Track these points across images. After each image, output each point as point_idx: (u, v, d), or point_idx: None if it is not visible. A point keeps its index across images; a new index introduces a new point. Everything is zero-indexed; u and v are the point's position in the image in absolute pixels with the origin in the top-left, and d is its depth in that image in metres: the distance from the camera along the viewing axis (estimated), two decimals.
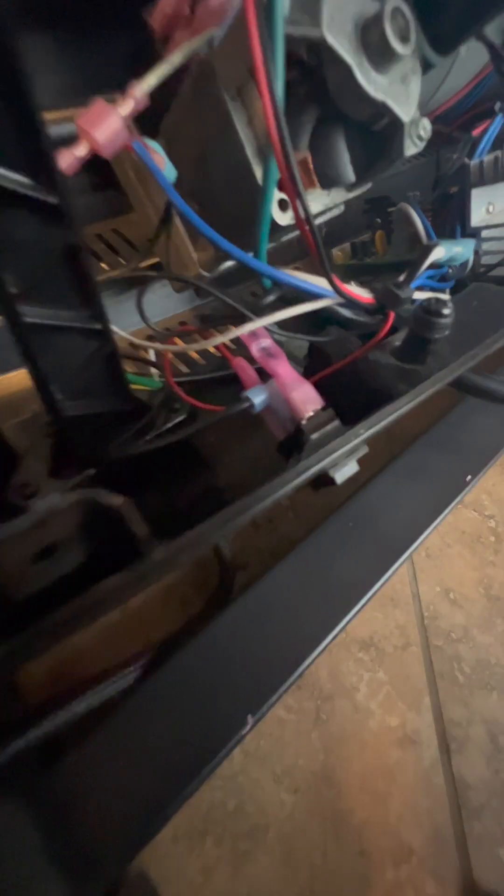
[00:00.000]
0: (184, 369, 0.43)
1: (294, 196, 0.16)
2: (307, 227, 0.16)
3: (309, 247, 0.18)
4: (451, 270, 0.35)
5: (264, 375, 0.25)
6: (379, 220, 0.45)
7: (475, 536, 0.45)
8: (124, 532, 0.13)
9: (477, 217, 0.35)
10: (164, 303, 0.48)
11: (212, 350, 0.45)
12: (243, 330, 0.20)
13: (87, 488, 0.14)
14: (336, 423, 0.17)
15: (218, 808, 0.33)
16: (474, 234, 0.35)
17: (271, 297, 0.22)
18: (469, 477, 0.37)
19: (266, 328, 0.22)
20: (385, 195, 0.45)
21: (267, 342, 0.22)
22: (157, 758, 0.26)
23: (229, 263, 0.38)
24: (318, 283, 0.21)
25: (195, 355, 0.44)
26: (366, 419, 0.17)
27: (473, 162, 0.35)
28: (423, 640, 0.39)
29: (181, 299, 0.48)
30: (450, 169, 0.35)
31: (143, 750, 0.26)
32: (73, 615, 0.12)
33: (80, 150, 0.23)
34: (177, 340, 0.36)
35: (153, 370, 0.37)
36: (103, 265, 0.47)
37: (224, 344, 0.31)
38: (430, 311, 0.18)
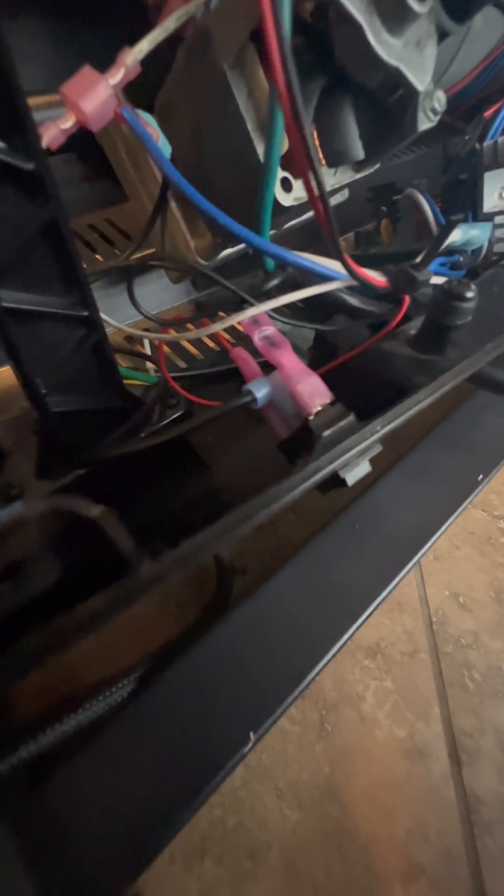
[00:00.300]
0: (181, 365, 0.41)
1: (306, 165, 0.14)
2: (320, 203, 0.15)
3: (320, 222, 0.16)
4: (462, 258, 0.33)
5: (267, 369, 0.23)
6: (384, 209, 0.43)
7: (484, 538, 0.43)
8: (106, 546, 0.11)
9: (490, 202, 0.33)
10: (159, 295, 0.46)
11: (210, 344, 0.43)
12: (244, 316, 0.19)
13: (60, 495, 0.12)
14: (351, 418, 0.15)
15: (217, 826, 0.31)
16: (487, 220, 0.33)
17: (274, 282, 0.21)
18: (481, 476, 0.35)
19: (269, 314, 0.20)
20: (390, 182, 0.43)
21: (270, 330, 0.20)
22: (153, 778, 0.24)
23: (227, 252, 0.36)
24: (328, 264, 0.19)
25: (192, 348, 0.42)
26: (382, 414, 0.15)
27: (486, 143, 0.33)
28: (432, 647, 0.38)
29: (178, 291, 0.46)
30: (462, 150, 0.34)
31: (138, 770, 0.24)
32: (43, 644, 0.10)
33: (66, 123, 0.21)
34: (172, 332, 0.34)
35: (148, 364, 0.35)
36: (97, 256, 0.45)
37: (224, 336, 0.29)
38: (451, 294, 0.17)
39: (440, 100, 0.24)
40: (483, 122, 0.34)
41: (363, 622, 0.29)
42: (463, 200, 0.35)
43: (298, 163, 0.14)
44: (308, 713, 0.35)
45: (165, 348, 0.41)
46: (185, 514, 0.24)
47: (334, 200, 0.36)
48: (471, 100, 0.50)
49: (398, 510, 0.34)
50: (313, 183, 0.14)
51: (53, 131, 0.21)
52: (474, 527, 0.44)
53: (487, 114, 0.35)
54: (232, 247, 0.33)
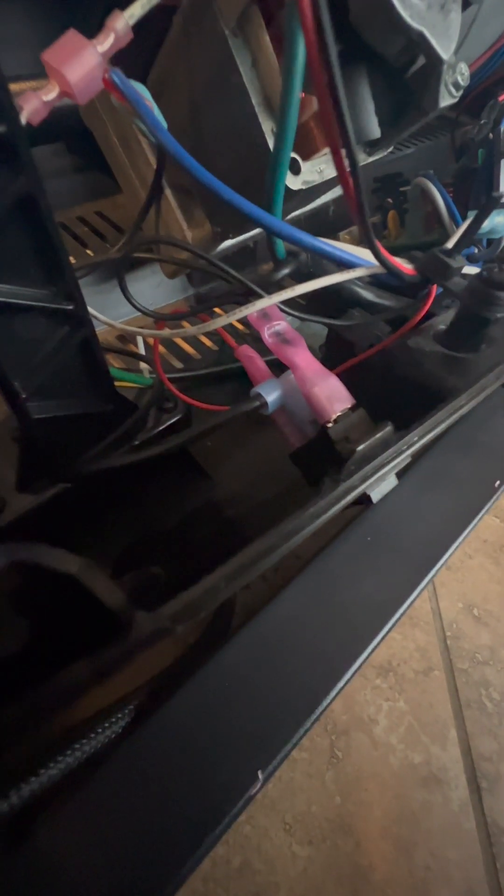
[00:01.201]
0: (177, 365, 0.39)
1: (335, 127, 0.11)
2: (350, 177, 0.12)
3: (349, 199, 0.13)
4: (478, 250, 0.31)
5: (275, 368, 0.21)
6: (390, 200, 0.41)
7: (498, 546, 0.41)
8: (89, 601, 0.09)
9: None
10: (153, 292, 0.43)
11: (207, 343, 0.41)
12: (253, 308, 0.16)
13: (24, 544, 0.09)
14: (388, 429, 0.13)
15: (221, 866, 0.29)
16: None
17: (285, 271, 0.18)
18: (498, 482, 0.33)
19: (280, 308, 0.18)
20: (397, 172, 0.41)
21: (282, 325, 0.18)
22: (149, 828, 0.21)
23: (227, 244, 0.33)
24: (350, 250, 0.17)
25: (189, 347, 0.40)
26: (421, 423, 0.13)
27: (502, 128, 0.31)
28: (447, 664, 0.36)
29: (173, 287, 0.44)
30: (476, 136, 0.32)
31: (133, 819, 0.21)
32: (20, 721, 0.08)
33: (49, 94, 0.18)
34: (168, 329, 0.32)
35: (142, 365, 0.33)
36: (88, 251, 0.43)
37: (227, 333, 0.26)
38: (492, 283, 0.15)
39: (463, 72, 0.22)
40: (498, 107, 0.32)
41: (379, 643, 0.27)
42: (477, 189, 0.33)
43: (325, 122, 0.12)
44: (317, 739, 0.33)
45: (161, 347, 0.38)
46: (186, 530, 0.22)
47: (339, 190, 0.34)
48: (475, 90, 0.48)
49: (412, 520, 0.31)
50: (343, 152, 0.12)
51: (35, 103, 0.18)
52: (487, 534, 0.42)
53: (502, 98, 0.33)
54: (232, 237, 0.31)
